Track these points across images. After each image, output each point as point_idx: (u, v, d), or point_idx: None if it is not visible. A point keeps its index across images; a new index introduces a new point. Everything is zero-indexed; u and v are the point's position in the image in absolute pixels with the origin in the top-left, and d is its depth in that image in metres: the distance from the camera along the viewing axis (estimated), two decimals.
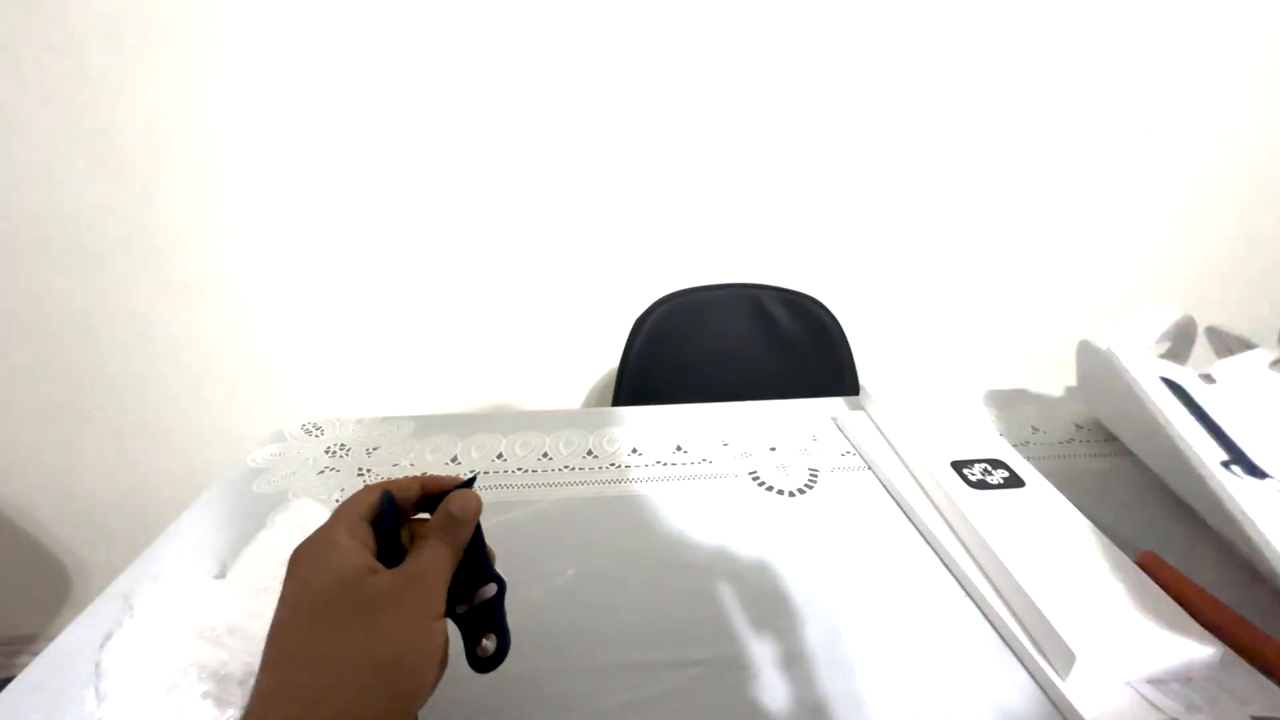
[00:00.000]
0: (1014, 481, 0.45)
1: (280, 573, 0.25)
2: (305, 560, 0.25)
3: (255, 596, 0.34)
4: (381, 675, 0.23)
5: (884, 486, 0.50)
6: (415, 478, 0.30)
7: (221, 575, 0.36)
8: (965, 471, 0.47)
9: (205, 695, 0.29)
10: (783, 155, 0.94)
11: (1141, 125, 0.96)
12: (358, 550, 0.26)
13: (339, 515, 0.27)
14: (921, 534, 0.45)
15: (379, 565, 0.26)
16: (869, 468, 0.53)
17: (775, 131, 0.92)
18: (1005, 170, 0.98)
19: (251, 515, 0.46)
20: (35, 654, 0.34)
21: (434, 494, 0.29)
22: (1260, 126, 0.98)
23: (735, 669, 0.34)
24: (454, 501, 0.28)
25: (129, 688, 0.29)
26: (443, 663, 0.26)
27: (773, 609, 0.38)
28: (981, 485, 0.45)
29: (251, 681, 0.23)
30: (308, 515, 0.40)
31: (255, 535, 0.39)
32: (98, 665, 0.30)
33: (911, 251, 1.03)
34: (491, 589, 0.29)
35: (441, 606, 0.26)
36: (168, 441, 1.06)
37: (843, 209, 0.98)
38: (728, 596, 0.39)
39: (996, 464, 0.48)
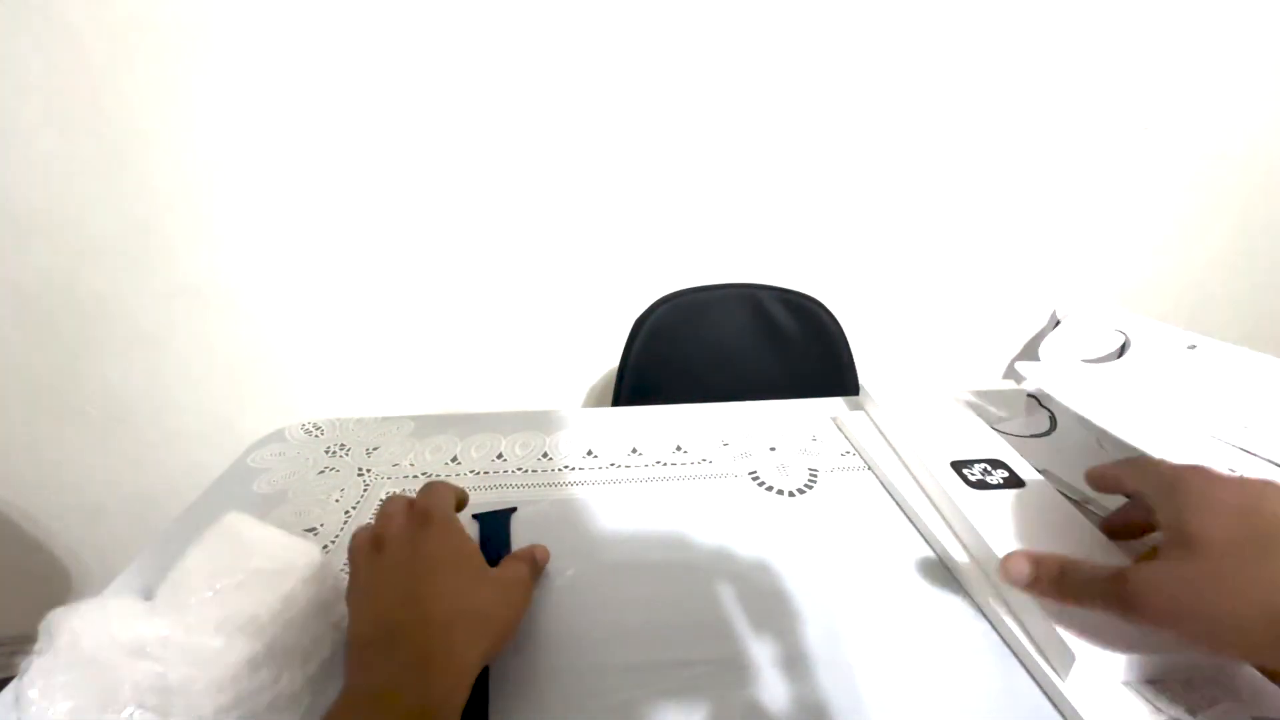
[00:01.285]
0: (1014, 481, 0.45)
1: (211, 587, 0.26)
2: (436, 523, 0.34)
3: (186, 610, 0.33)
4: (489, 618, 0.32)
5: (884, 486, 0.50)
6: (455, 490, 0.38)
7: (149, 597, 0.35)
8: (965, 471, 0.47)
9: (144, 708, 0.28)
10: (782, 155, 0.94)
11: (1141, 125, 0.96)
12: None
13: (447, 506, 0.36)
14: (921, 534, 0.45)
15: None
16: (869, 468, 0.53)
17: (775, 132, 0.92)
18: (1005, 170, 0.98)
19: (252, 515, 0.46)
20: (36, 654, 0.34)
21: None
22: (1260, 126, 0.98)
23: (735, 669, 0.34)
24: (539, 552, 0.40)
25: (55, 714, 0.28)
26: (513, 628, 0.34)
27: (773, 609, 0.38)
28: (981, 485, 0.45)
29: (191, 688, 0.24)
30: (240, 528, 0.40)
31: (185, 552, 0.38)
32: (17, 697, 0.28)
33: (911, 251, 1.03)
34: None
35: (527, 603, 0.36)
36: (168, 441, 1.06)
37: (843, 209, 0.98)
38: (728, 596, 0.39)
39: (996, 464, 0.48)
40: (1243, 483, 0.27)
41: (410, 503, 0.36)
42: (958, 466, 0.47)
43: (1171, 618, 0.25)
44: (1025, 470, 0.47)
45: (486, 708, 0.32)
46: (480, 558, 0.34)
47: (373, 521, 0.36)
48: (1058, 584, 0.29)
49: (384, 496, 0.50)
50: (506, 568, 0.35)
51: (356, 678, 0.28)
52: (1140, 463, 0.31)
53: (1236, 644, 0.24)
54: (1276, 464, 0.39)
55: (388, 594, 0.31)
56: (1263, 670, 0.29)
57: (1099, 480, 0.34)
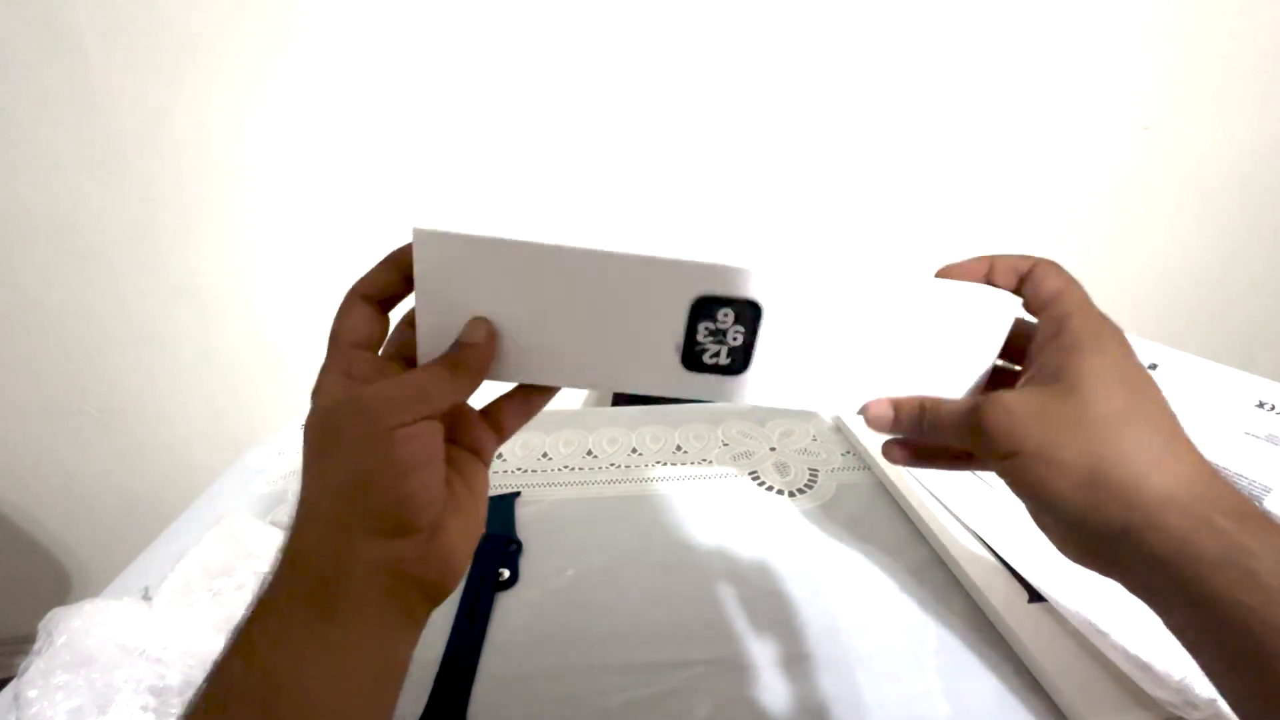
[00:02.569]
0: None
1: (211, 587, 0.25)
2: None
3: (186, 610, 0.33)
4: (347, 502, 0.22)
5: (884, 486, 0.50)
6: (386, 264, 0.27)
7: (148, 598, 0.35)
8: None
9: (145, 709, 0.28)
10: (782, 155, 0.94)
11: (1141, 125, 0.96)
12: (335, 381, 0.24)
13: (328, 353, 0.25)
14: (921, 534, 0.45)
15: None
16: (869, 468, 0.53)
17: (774, 132, 0.92)
18: (1005, 170, 0.98)
19: (252, 515, 0.46)
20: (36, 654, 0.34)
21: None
22: (1260, 126, 0.98)
23: (735, 669, 0.34)
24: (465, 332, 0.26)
25: (55, 714, 0.28)
26: (424, 465, 0.23)
27: (773, 609, 0.38)
28: (981, 484, 0.45)
29: (191, 688, 0.23)
30: (240, 528, 0.40)
31: (185, 552, 0.38)
32: (16, 697, 0.28)
33: (911, 251, 1.03)
34: None
35: (404, 414, 0.22)
36: (168, 442, 1.06)
37: (842, 209, 0.98)
38: (728, 596, 0.39)
39: None
40: (1130, 350, 0.23)
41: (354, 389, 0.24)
42: None
43: (1015, 444, 0.22)
44: None
45: (466, 706, 0.32)
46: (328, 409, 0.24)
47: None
48: (917, 421, 0.26)
49: None
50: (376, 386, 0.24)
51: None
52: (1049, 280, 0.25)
53: (1055, 486, 0.21)
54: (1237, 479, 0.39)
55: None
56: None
57: (968, 269, 0.28)
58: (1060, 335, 0.23)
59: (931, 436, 0.26)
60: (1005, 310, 0.26)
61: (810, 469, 0.53)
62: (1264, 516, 0.19)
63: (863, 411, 0.28)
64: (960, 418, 0.25)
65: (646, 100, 0.88)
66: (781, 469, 0.53)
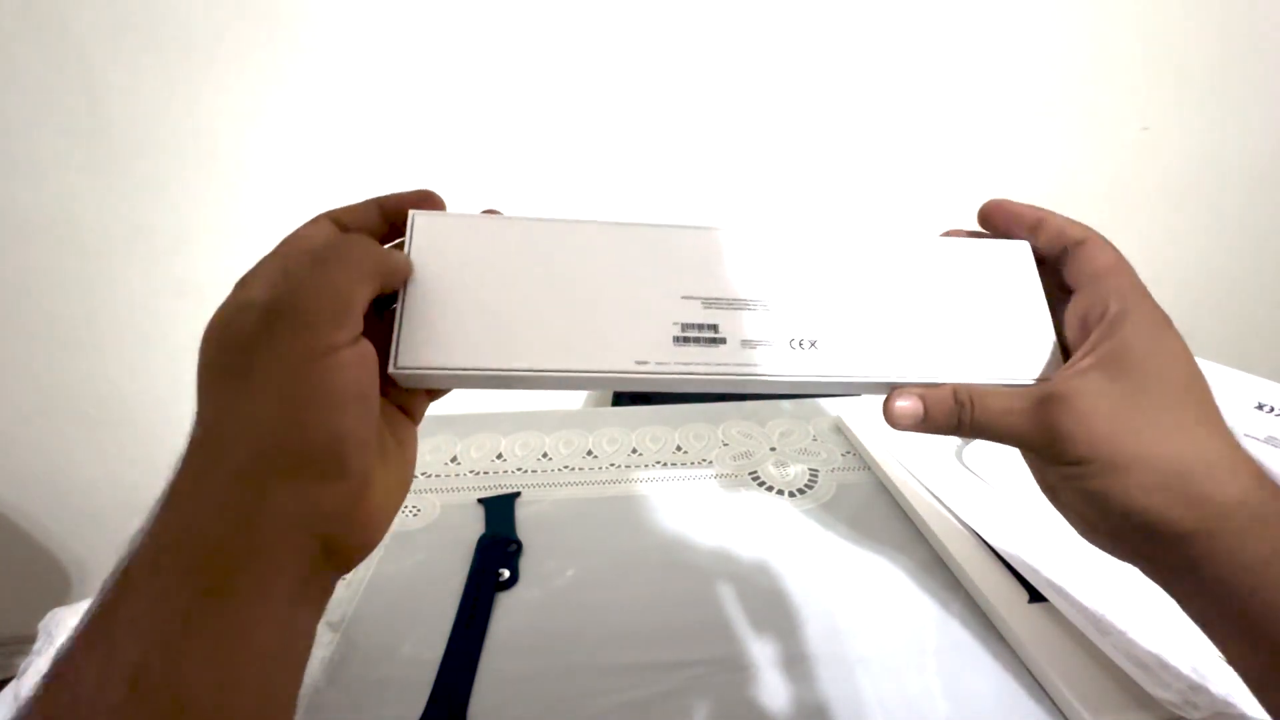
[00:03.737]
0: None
1: None
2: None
3: None
4: (266, 436, 0.17)
5: (884, 486, 0.50)
6: (370, 202, 0.24)
7: None
8: (966, 468, 0.47)
9: None
10: (781, 155, 0.94)
11: (1141, 125, 0.96)
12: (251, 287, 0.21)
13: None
14: (921, 534, 0.45)
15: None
16: (869, 468, 0.53)
17: (774, 132, 0.92)
18: (1005, 170, 0.98)
19: None
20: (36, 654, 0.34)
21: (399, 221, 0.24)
22: (1260, 127, 0.98)
23: (735, 669, 0.34)
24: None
25: None
26: (361, 398, 0.19)
27: (773, 609, 0.38)
28: (981, 484, 0.45)
29: None
30: None
31: None
32: (16, 697, 0.28)
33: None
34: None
35: (334, 333, 0.18)
36: (168, 441, 1.06)
37: (842, 209, 0.98)
38: (728, 596, 0.39)
39: (997, 462, 0.48)
40: (1184, 344, 0.21)
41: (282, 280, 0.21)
42: (959, 464, 0.47)
43: (1091, 450, 0.19)
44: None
45: (466, 706, 0.32)
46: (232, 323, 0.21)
47: None
48: (954, 418, 0.22)
49: None
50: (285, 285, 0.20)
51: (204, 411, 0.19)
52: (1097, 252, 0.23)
53: (1129, 494, 0.19)
54: None
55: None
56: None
57: (1015, 214, 0.25)
58: (1120, 321, 0.21)
59: (974, 435, 0.22)
60: (1022, 258, 0.24)
61: (810, 469, 0.53)
62: None
63: (886, 408, 0.23)
64: (1020, 419, 0.21)
65: (646, 100, 0.88)
66: (781, 469, 0.53)
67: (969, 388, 0.22)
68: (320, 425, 0.18)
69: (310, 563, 0.18)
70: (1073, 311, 0.22)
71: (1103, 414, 0.19)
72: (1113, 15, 0.89)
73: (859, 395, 0.24)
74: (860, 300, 0.24)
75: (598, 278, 0.23)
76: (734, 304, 0.23)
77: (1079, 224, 0.24)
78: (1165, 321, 0.21)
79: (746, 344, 0.23)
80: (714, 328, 0.23)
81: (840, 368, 0.23)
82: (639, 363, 0.22)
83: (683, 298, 0.23)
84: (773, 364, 0.23)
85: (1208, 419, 0.20)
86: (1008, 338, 0.24)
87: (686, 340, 0.23)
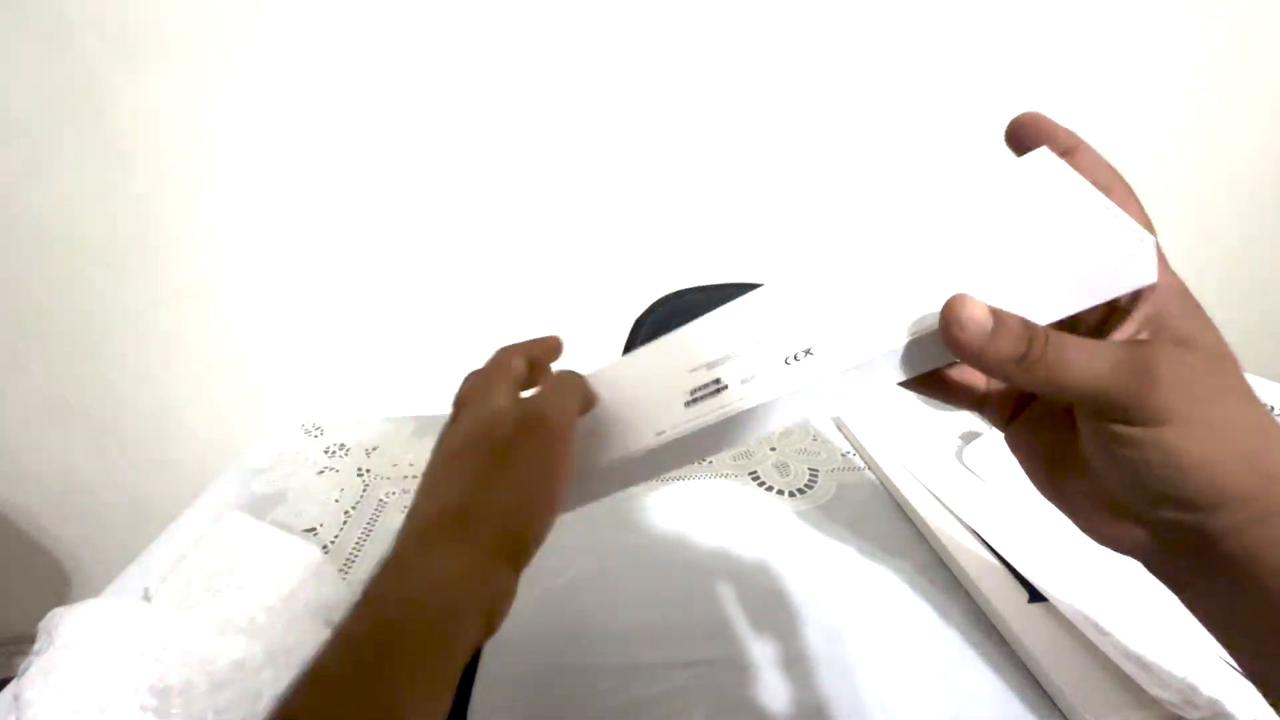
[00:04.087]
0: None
1: (211, 587, 0.25)
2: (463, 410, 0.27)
3: (186, 610, 0.33)
4: (511, 521, 0.23)
5: (884, 486, 0.50)
6: (534, 342, 0.32)
7: (147, 599, 0.35)
8: (966, 468, 0.47)
9: (145, 709, 0.28)
10: (781, 155, 0.94)
11: (1141, 125, 0.96)
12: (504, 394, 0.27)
13: (568, 415, 0.26)
14: (921, 534, 0.45)
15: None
16: (869, 468, 0.53)
17: (774, 132, 0.92)
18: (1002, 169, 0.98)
19: (251, 515, 0.46)
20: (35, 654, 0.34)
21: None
22: (1260, 127, 0.98)
23: (735, 669, 0.34)
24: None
25: (54, 714, 0.28)
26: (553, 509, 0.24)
27: (773, 609, 0.38)
28: (981, 484, 0.45)
29: (191, 688, 0.23)
30: (239, 529, 0.40)
31: (185, 552, 0.38)
32: (16, 697, 0.28)
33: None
34: None
35: (565, 451, 0.24)
36: (168, 441, 1.06)
37: (842, 208, 0.98)
38: (728, 596, 0.39)
39: (997, 462, 0.48)
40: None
41: (527, 400, 0.27)
42: (959, 464, 0.47)
43: (1184, 406, 0.17)
44: None
45: (466, 706, 0.32)
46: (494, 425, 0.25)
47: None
48: (1022, 351, 0.18)
49: (383, 497, 0.50)
50: (533, 402, 0.26)
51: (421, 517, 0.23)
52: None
53: (1214, 462, 0.18)
54: None
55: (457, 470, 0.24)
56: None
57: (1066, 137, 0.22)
58: (1175, 302, 0.19)
59: (1033, 378, 0.18)
60: (1048, 164, 0.21)
61: (810, 469, 0.53)
62: None
63: (947, 316, 0.18)
64: (1111, 356, 0.18)
65: (645, 101, 0.88)
66: (781, 469, 0.53)
67: (1046, 329, 0.19)
68: (544, 523, 0.23)
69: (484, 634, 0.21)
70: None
71: (1196, 372, 0.18)
72: (1113, 15, 0.89)
73: (880, 385, 0.20)
74: (852, 288, 0.23)
75: (630, 384, 0.28)
76: (731, 355, 0.24)
77: (1113, 170, 0.21)
78: (1201, 311, 0.20)
79: (746, 381, 0.23)
80: (717, 380, 0.24)
81: (839, 359, 0.21)
82: (658, 434, 0.24)
83: (689, 371, 0.25)
84: (772, 386, 0.22)
85: (1255, 399, 0.19)
86: (1065, 251, 0.19)
87: (695, 400, 0.24)
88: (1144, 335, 0.19)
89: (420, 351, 1.03)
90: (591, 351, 1.16)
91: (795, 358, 0.23)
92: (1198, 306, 0.20)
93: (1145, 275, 0.19)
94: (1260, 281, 1.10)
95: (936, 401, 0.24)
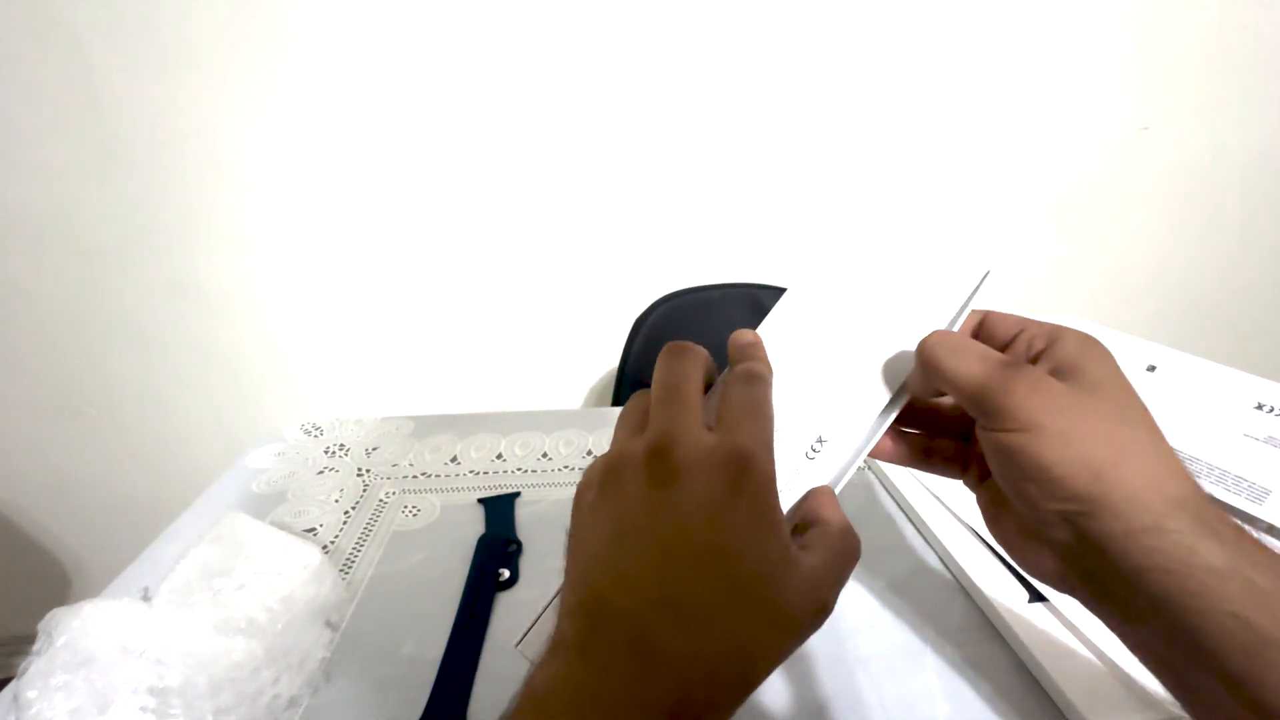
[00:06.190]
0: None
1: (211, 587, 0.25)
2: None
3: (186, 610, 0.33)
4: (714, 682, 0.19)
5: (884, 486, 0.50)
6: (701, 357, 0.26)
7: (147, 598, 0.35)
8: None
9: (144, 710, 0.28)
10: (781, 155, 0.94)
11: (1141, 126, 0.96)
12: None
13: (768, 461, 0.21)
14: (922, 534, 0.45)
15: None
16: (869, 468, 0.53)
17: (773, 131, 0.92)
18: (1005, 170, 0.98)
19: (251, 515, 0.46)
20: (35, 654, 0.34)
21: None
22: (1261, 126, 0.98)
23: None
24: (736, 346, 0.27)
25: (54, 715, 0.28)
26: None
27: None
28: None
29: (191, 689, 0.23)
30: (239, 529, 0.40)
31: (185, 552, 0.38)
32: (16, 697, 0.28)
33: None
34: None
35: (779, 515, 0.21)
36: (167, 441, 1.06)
37: (841, 208, 0.98)
38: None
39: None
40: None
41: (711, 441, 0.21)
42: None
43: (1040, 416, 0.20)
44: None
45: (466, 706, 0.32)
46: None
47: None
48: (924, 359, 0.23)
49: (383, 497, 0.50)
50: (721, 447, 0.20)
51: (564, 666, 0.20)
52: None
53: (1068, 469, 0.20)
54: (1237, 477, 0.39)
55: (643, 548, 0.20)
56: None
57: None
58: (1057, 343, 0.22)
59: (927, 374, 0.23)
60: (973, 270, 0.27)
61: None
62: (1247, 532, 0.19)
63: (925, 347, 0.24)
64: (990, 365, 0.22)
65: (645, 103, 0.88)
66: None
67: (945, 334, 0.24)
68: (738, 697, 0.19)
69: None
70: (1017, 344, 0.24)
71: (1057, 391, 0.21)
72: (1113, 15, 0.89)
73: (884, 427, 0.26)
74: (821, 368, 0.26)
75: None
76: None
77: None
78: (1102, 347, 0.22)
79: (786, 487, 0.24)
80: None
81: (856, 439, 0.25)
82: None
83: None
84: (810, 480, 0.24)
85: (1152, 430, 0.21)
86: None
87: None
88: (1038, 361, 0.23)
89: (420, 352, 1.03)
90: (591, 352, 1.16)
91: (814, 449, 0.25)
92: (1104, 352, 0.22)
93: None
94: (1261, 281, 1.10)
95: (927, 473, 0.28)
